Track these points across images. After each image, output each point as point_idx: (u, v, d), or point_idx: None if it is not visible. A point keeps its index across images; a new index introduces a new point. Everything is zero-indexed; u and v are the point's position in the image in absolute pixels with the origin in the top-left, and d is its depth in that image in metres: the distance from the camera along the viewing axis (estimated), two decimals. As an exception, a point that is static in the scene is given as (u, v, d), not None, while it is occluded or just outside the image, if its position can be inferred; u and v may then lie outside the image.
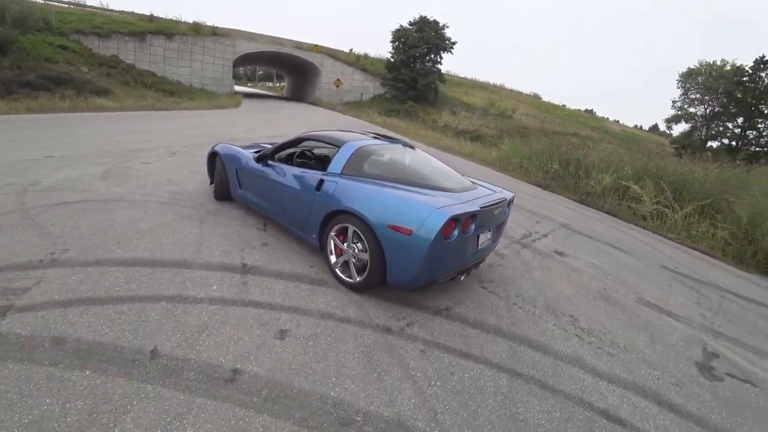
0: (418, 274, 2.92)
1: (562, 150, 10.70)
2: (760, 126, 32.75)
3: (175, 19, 28.03)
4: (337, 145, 3.75)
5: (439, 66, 31.63)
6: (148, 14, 26.70)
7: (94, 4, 26.82)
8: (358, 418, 2.14)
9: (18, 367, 2.10)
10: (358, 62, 34.92)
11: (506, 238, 5.29)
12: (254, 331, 2.72)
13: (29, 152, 6.37)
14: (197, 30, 27.06)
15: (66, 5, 24.52)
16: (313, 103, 32.56)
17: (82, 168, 5.78)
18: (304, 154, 4.49)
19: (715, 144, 34.67)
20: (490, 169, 11.64)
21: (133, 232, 3.87)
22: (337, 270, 3.48)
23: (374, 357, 2.65)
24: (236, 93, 31.23)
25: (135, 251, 3.53)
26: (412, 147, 4.42)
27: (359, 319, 3.03)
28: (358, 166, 3.51)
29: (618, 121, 59.57)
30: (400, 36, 30.81)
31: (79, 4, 25.59)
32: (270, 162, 4.19)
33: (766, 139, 32.53)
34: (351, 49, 37.23)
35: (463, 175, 4.11)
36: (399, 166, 3.78)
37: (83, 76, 17.76)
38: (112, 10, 26.48)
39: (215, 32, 28.06)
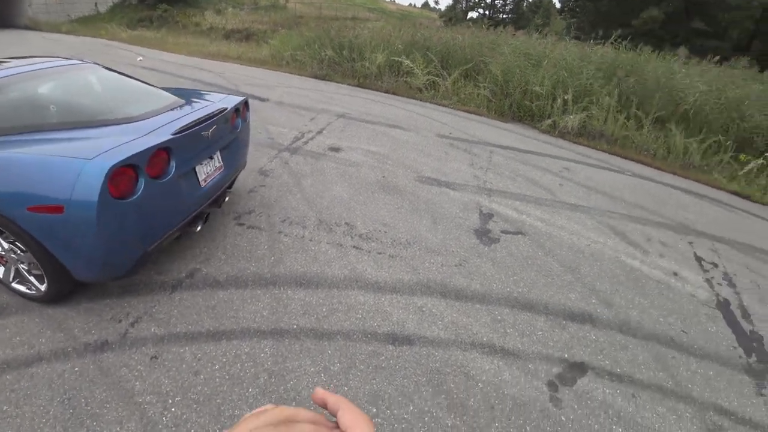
0: (106, 261, 1.94)
1: (332, 34, 9.80)
2: (505, -6, 37.73)
3: None
4: None
5: (186, -47, 25.81)
6: None
7: None
8: None
9: None
10: (72, -44, 26.08)
11: (272, 149, 4.36)
12: None
13: None
14: None
15: None
16: (28, 27, 23.69)
17: None
18: None
19: (474, 14, 39.04)
20: (263, 69, 10.12)
21: None
22: (14, 285, 2.21)
23: (80, 405, 1.65)
24: None
25: None
26: (93, 64, 2.94)
27: (58, 348, 1.93)
28: None
29: (394, 1, 61.39)
30: None
31: None
32: None
33: (509, 7, 37.88)
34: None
35: (167, 89, 2.94)
36: (45, 103, 2.36)
37: None
38: None
39: None
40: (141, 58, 11.75)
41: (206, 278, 2.39)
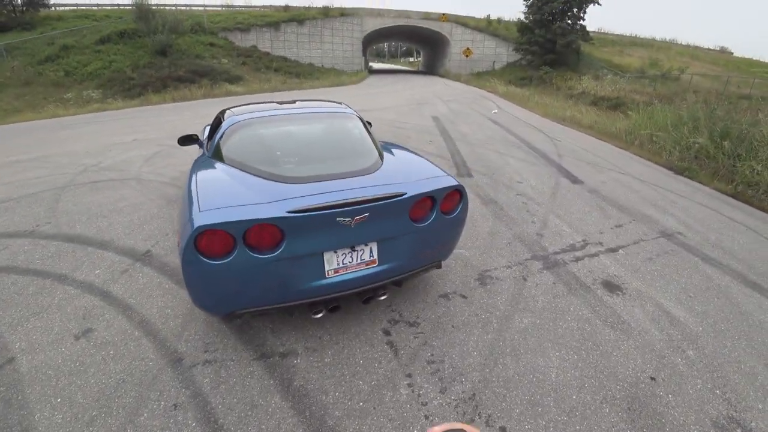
0: (197, 297, 2.10)
1: (717, 115, 7.18)
2: None
3: (306, 6, 29.46)
4: (223, 120, 2.94)
5: (582, 23, 26.26)
6: (284, 4, 28.44)
7: (241, 3, 29.93)
8: None
9: None
10: (489, 28, 31.80)
11: (528, 249, 3.31)
12: None
13: (122, 137, 8.17)
14: (326, 13, 28.10)
15: (218, 8, 27.93)
16: (442, 75, 31.23)
17: (135, 151, 6.82)
18: None
19: None
20: (609, 144, 8.64)
21: (105, 212, 4.19)
22: None
23: (119, 393, 1.99)
24: (371, 69, 32.52)
25: (72, 228, 3.82)
26: (350, 113, 3.12)
27: (164, 338, 2.36)
28: (220, 150, 2.68)
29: None
30: (533, -9, 26.49)
31: (227, 6, 28.79)
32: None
33: None
34: (488, 15, 33.98)
35: (391, 146, 2.97)
36: (265, 146, 2.66)
37: (221, 66, 19.98)
38: (253, 6, 29.14)
39: (343, 12, 28.74)
40: (496, 110, 12.73)
41: (299, 367, 2.15)
